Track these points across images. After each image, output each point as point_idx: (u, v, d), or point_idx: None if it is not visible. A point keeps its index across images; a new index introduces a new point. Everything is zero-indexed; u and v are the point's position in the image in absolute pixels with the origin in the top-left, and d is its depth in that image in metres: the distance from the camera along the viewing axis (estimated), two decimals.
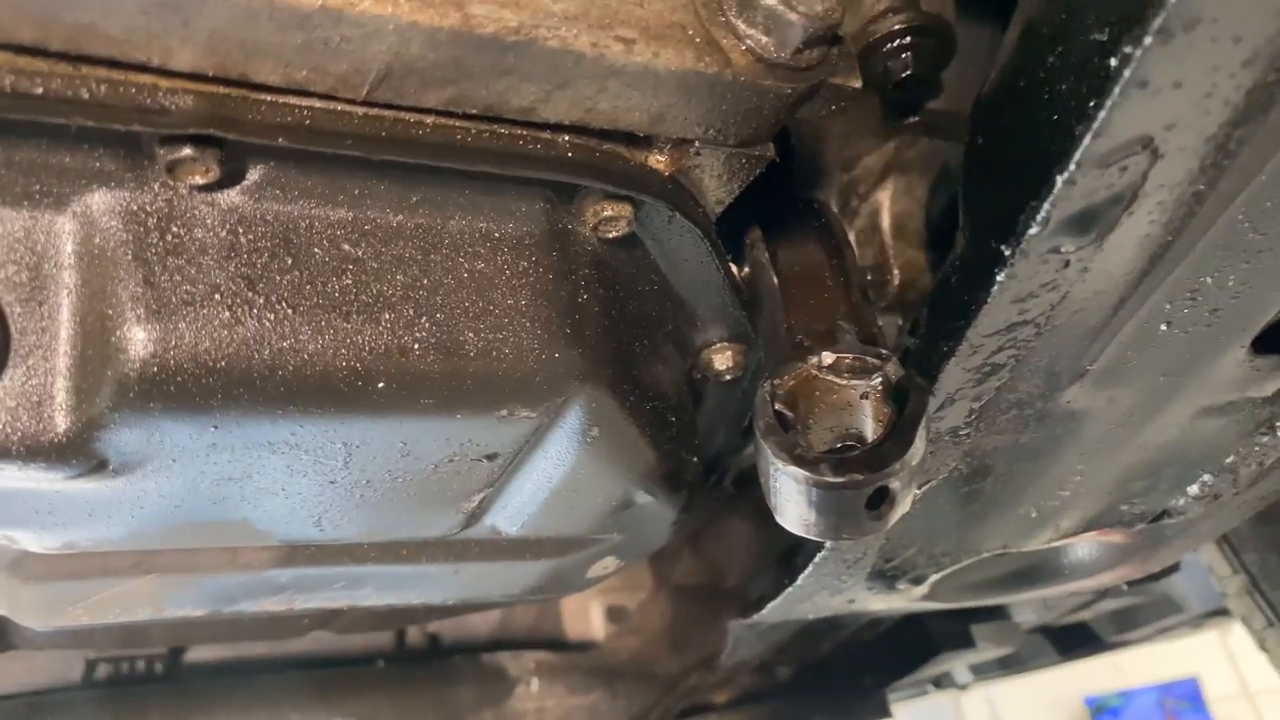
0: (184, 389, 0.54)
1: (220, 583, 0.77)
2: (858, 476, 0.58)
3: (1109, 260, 0.57)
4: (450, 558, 0.81)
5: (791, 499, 0.61)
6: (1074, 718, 5.34)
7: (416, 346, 0.59)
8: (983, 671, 2.29)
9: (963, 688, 2.30)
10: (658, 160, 0.64)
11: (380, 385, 0.58)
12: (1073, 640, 2.22)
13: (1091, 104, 0.47)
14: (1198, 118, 0.48)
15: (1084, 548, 1.03)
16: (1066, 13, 0.50)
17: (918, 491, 0.81)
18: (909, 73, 0.88)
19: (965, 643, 1.70)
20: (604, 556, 0.88)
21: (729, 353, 0.84)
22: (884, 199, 1.06)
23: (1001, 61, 0.60)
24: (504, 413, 0.63)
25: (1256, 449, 0.86)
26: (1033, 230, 0.53)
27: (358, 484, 0.66)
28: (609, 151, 0.61)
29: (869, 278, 1.07)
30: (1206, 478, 0.90)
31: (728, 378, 0.84)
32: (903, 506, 0.62)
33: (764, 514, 1.37)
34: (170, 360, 0.54)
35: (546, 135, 0.58)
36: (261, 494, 0.65)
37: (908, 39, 0.87)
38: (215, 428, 0.57)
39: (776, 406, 0.63)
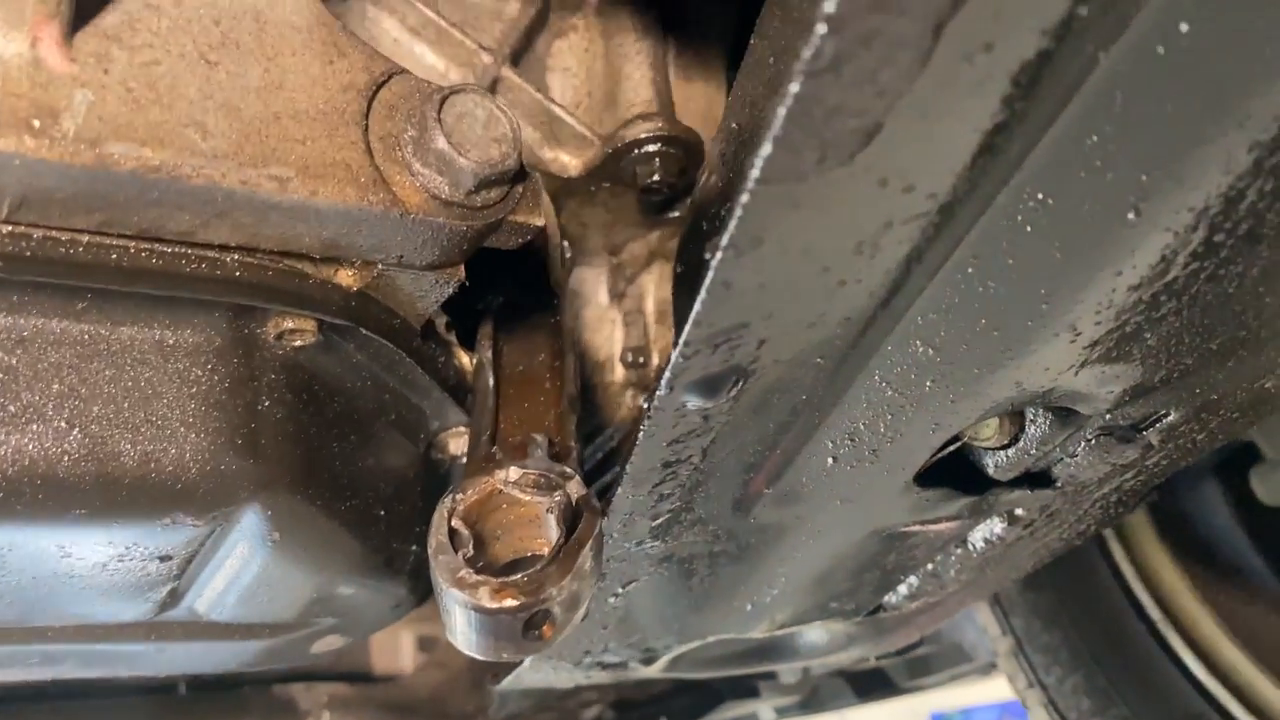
0: None
1: None
2: (512, 603, 0.60)
3: (747, 414, 0.60)
4: (152, 637, 0.81)
5: (456, 619, 0.62)
6: None
7: (66, 457, 0.58)
8: (787, 712, 2.36)
9: None
10: (346, 275, 0.65)
11: (25, 497, 0.58)
12: (870, 684, 2.30)
13: (694, 294, 0.50)
14: (792, 309, 0.51)
15: (814, 632, 1.08)
16: (695, 211, 0.54)
17: (621, 591, 0.84)
18: (656, 178, 0.91)
19: (750, 692, 1.75)
20: (323, 637, 0.88)
21: (464, 437, 0.86)
22: (649, 284, 1.09)
23: (697, 196, 0.62)
24: (166, 521, 0.63)
25: (954, 559, 0.92)
26: (661, 390, 0.56)
27: (24, 580, 0.65)
28: (285, 270, 0.61)
29: (633, 358, 1.10)
30: (912, 580, 0.95)
31: (465, 460, 0.85)
32: (567, 626, 0.64)
33: None
34: None
35: (213, 255, 0.59)
36: None
37: (656, 146, 0.90)
38: None
39: (453, 523, 0.64)
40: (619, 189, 0.97)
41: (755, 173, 0.41)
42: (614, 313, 1.12)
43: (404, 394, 0.80)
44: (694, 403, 0.57)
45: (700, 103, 1.07)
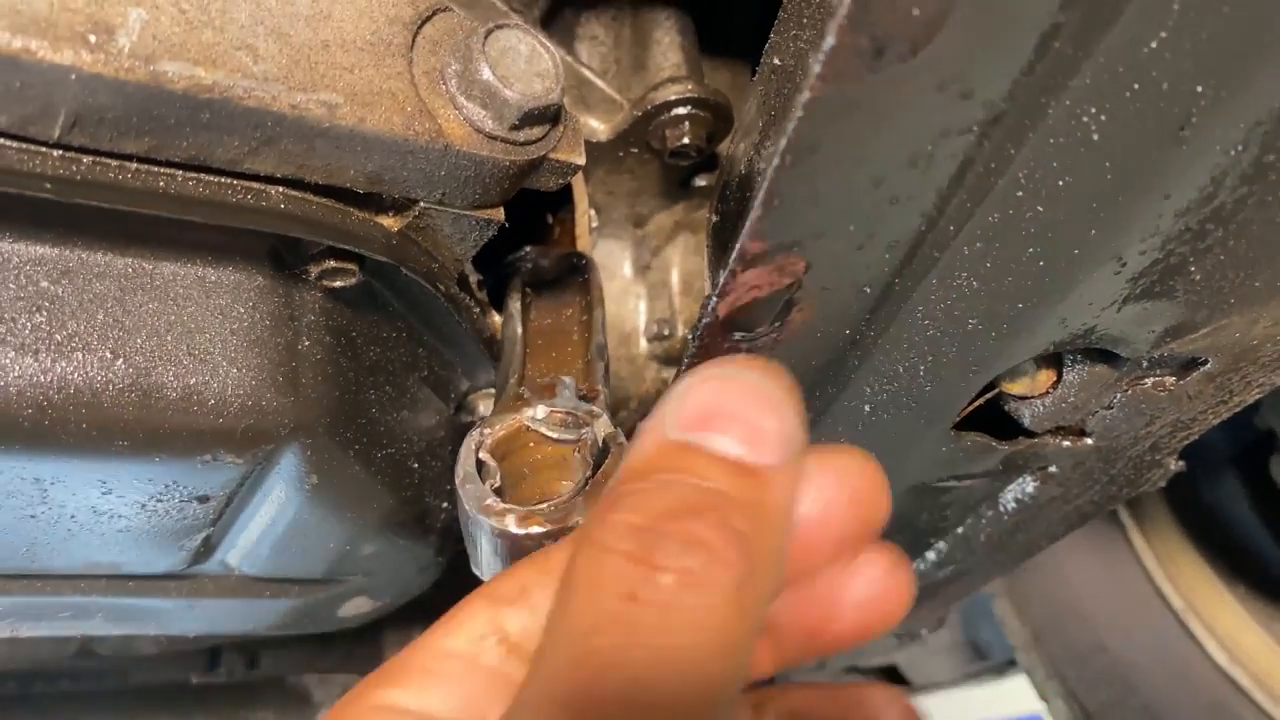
0: None
1: None
2: (539, 529, 0.60)
3: (790, 350, 0.60)
4: (184, 593, 0.81)
5: (481, 548, 0.62)
6: None
7: (111, 387, 0.58)
8: None
9: None
10: (386, 217, 0.65)
11: (70, 425, 0.58)
12: (884, 681, 2.29)
13: (746, 208, 0.50)
14: (842, 227, 0.51)
15: None
16: (759, 128, 0.54)
17: None
18: (685, 141, 0.91)
19: (766, 680, 1.74)
20: (353, 597, 0.88)
21: (491, 398, 0.86)
22: (674, 256, 1.09)
23: (737, 138, 0.63)
24: (207, 458, 0.63)
25: (984, 522, 0.91)
26: (705, 319, 0.55)
27: (61, 519, 0.65)
28: (328, 206, 0.61)
29: (658, 330, 1.10)
30: (941, 545, 0.95)
31: None
32: None
33: None
34: None
35: (258, 186, 0.59)
36: None
37: (685, 109, 0.91)
38: None
39: (480, 455, 0.64)
40: (646, 156, 0.98)
41: (816, 69, 0.41)
42: (639, 286, 1.12)
43: (438, 349, 0.80)
44: (739, 333, 0.57)
45: (724, 76, 1.08)
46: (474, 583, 0.57)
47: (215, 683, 1.85)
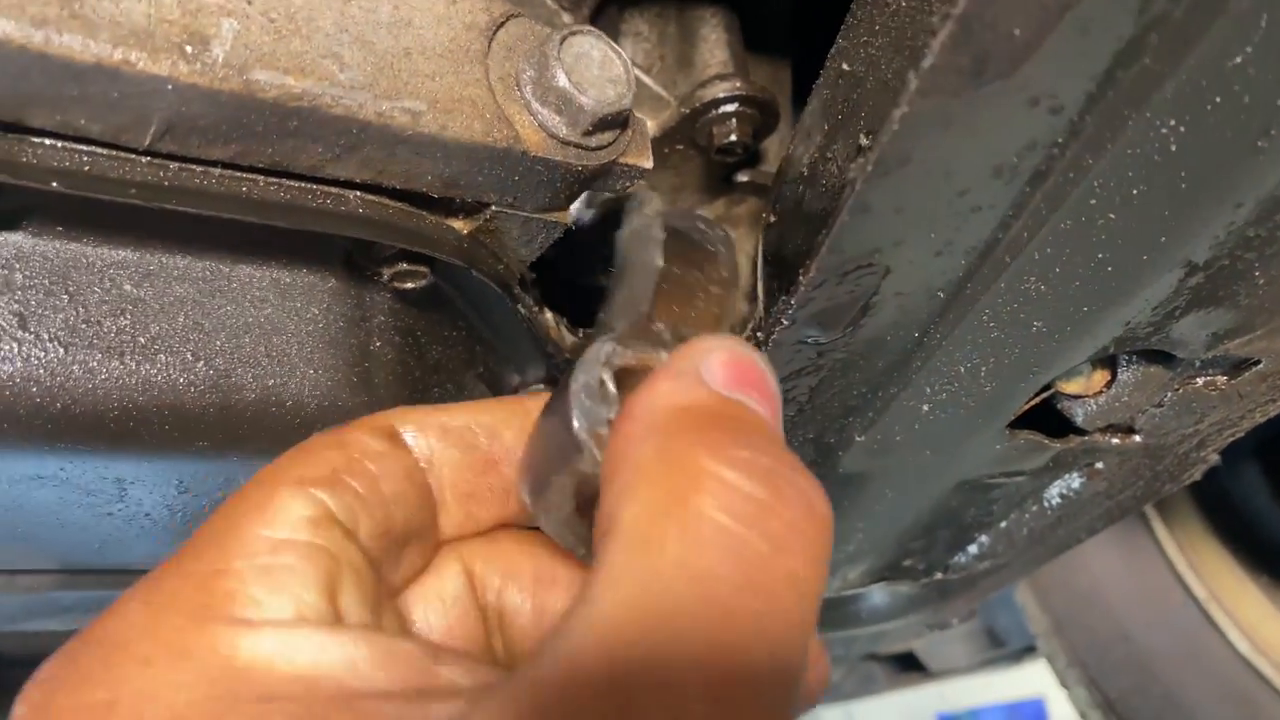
0: None
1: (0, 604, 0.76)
2: None
3: (859, 350, 0.61)
4: None
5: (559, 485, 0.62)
6: None
7: (192, 389, 0.59)
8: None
9: None
10: (457, 220, 0.66)
11: (153, 426, 0.59)
12: (901, 669, 2.31)
13: (829, 218, 0.51)
14: (923, 235, 0.52)
15: (878, 595, 1.08)
16: (824, 130, 0.54)
17: None
18: (732, 139, 0.92)
19: None
20: None
21: (541, 396, 0.87)
22: None
23: (798, 140, 0.63)
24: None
25: (1028, 516, 0.92)
26: (782, 323, 0.57)
27: (136, 516, 0.66)
28: (404, 210, 0.62)
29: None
30: (984, 539, 0.96)
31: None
32: None
33: None
34: None
35: (337, 191, 0.60)
36: (36, 523, 0.65)
37: (733, 107, 0.91)
38: None
39: (604, 375, 0.58)
40: (690, 152, 0.98)
41: (914, 84, 0.42)
42: None
43: (493, 345, 0.81)
44: (813, 336, 0.58)
45: (765, 70, 1.08)
46: None
47: None
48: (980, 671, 2.58)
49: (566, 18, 0.92)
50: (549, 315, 0.85)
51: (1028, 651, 2.29)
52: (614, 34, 1.00)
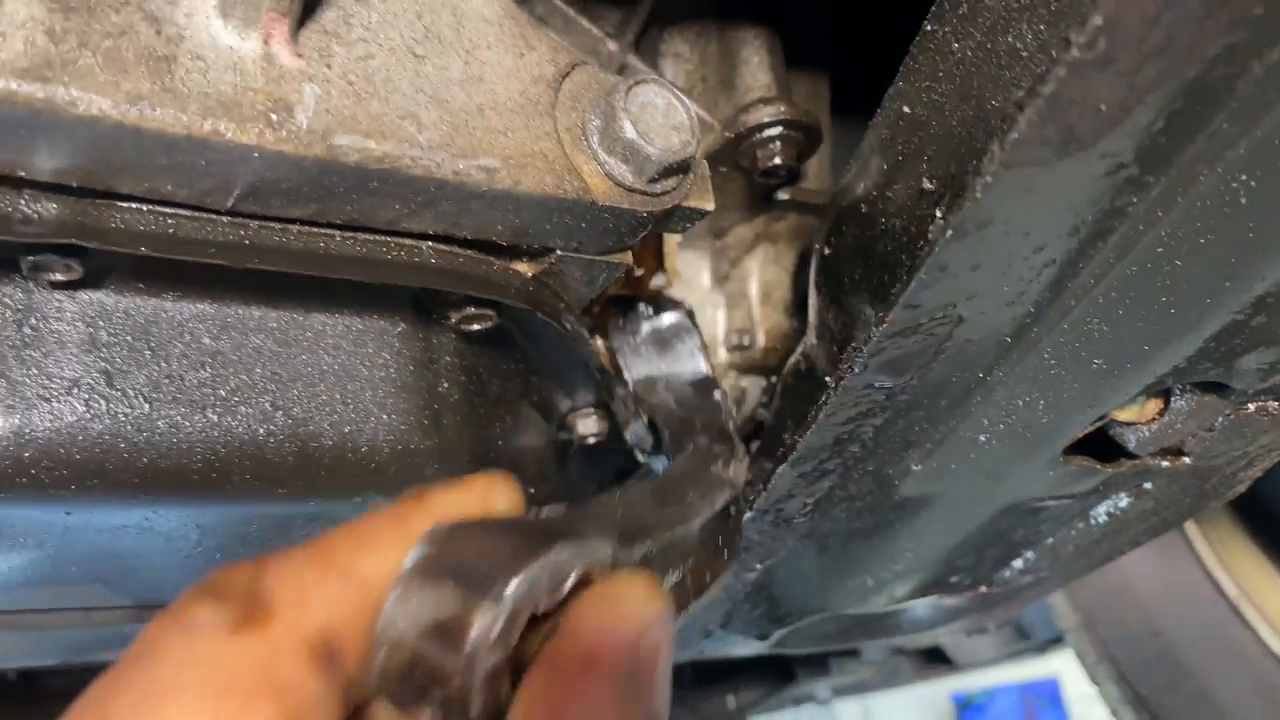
0: (36, 480, 0.56)
1: (73, 637, 0.78)
2: None
3: (924, 392, 0.62)
4: None
5: None
6: (941, 713, 5.55)
7: (272, 439, 0.61)
8: (843, 692, 2.39)
9: (824, 703, 2.38)
10: (521, 265, 0.67)
11: (234, 477, 0.60)
12: (928, 661, 2.33)
13: (901, 271, 0.52)
14: (997, 289, 0.53)
15: (921, 608, 1.10)
16: (883, 170, 0.55)
17: (758, 567, 0.86)
18: (776, 162, 0.92)
19: (822, 669, 1.78)
20: None
21: (592, 418, 0.88)
22: (753, 267, 1.11)
23: (854, 174, 0.64)
24: (358, 500, 0.65)
25: (1074, 533, 0.93)
26: (855, 369, 0.57)
27: (213, 559, 0.68)
28: (473, 258, 0.63)
29: (738, 340, 1.12)
30: (1029, 555, 0.97)
31: (591, 441, 0.88)
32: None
33: None
34: (23, 453, 0.55)
35: (410, 243, 0.61)
36: (116, 567, 0.66)
37: (777, 130, 0.92)
38: (68, 514, 0.58)
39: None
40: (733, 174, 0.99)
41: (999, 154, 0.43)
42: (717, 296, 1.13)
43: (546, 376, 0.82)
44: (881, 382, 0.59)
45: (805, 88, 1.09)
46: None
47: None
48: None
49: (612, 45, 0.93)
50: (599, 342, 0.86)
51: (1053, 644, 2.30)
52: (655, 56, 1.01)
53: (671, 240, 1.06)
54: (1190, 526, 1.65)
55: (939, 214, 0.49)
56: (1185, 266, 0.55)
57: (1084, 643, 1.78)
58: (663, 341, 0.91)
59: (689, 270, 1.13)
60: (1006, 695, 5.54)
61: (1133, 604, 1.71)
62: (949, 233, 0.47)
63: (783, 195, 1.06)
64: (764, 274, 1.11)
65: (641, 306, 0.89)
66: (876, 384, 0.59)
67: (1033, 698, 5.55)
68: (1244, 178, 0.50)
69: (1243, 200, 0.51)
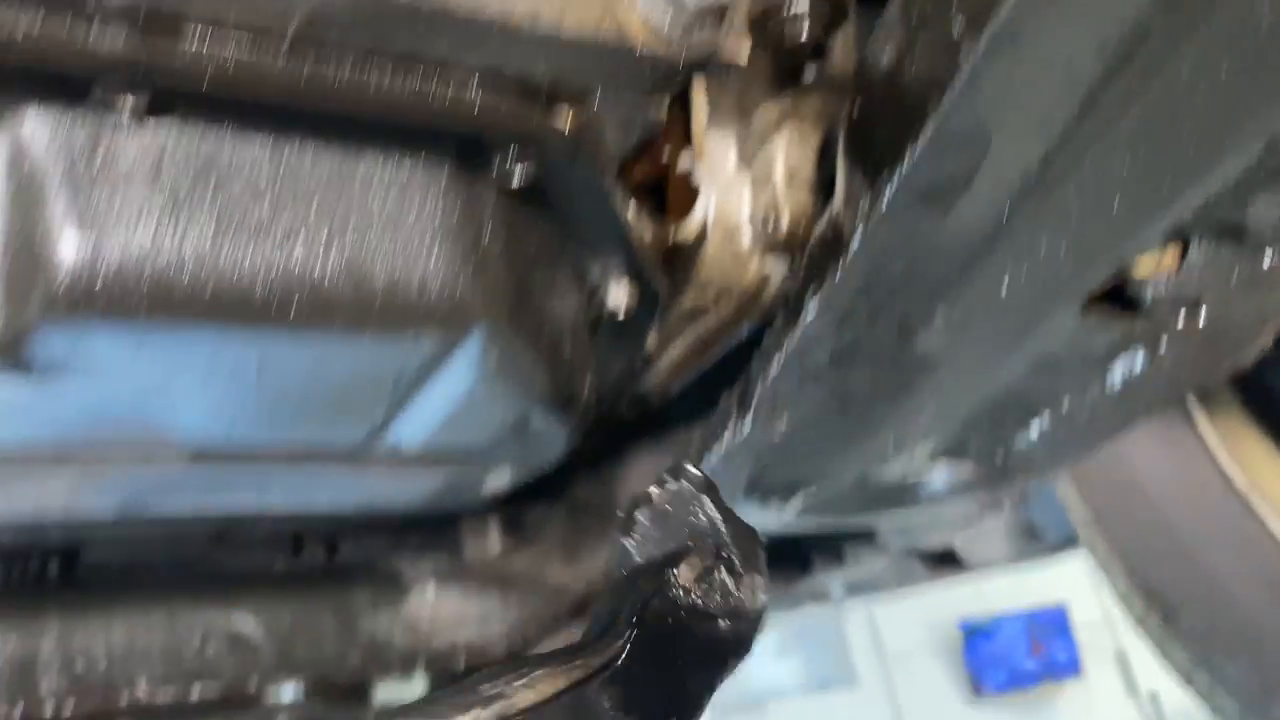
0: (109, 302, 0.59)
1: (132, 481, 0.82)
2: None
3: (954, 228, 0.65)
4: (354, 464, 0.87)
5: None
6: (949, 639, 5.65)
7: (329, 272, 0.64)
8: (856, 590, 2.44)
9: (838, 602, 2.45)
10: (561, 118, 0.69)
11: (294, 305, 0.64)
12: (940, 563, 2.38)
13: (934, 97, 0.54)
14: (1026, 111, 0.55)
15: (938, 479, 1.13)
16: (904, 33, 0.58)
17: (785, 416, 0.89)
18: (804, 39, 0.94)
19: (837, 558, 1.82)
20: (498, 467, 0.95)
21: (624, 288, 0.91)
22: (779, 147, 1.12)
23: (880, 36, 0.66)
24: (410, 336, 0.69)
25: (1089, 397, 0.96)
26: (886, 196, 0.60)
27: (270, 394, 0.71)
28: (514, 109, 0.66)
29: (762, 220, 1.14)
30: (1046, 419, 1.00)
31: (620, 316, 0.90)
32: None
33: (658, 438, 1.43)
34: (96, 275, 0.58)
35: (454, 93, 0.63)
36: (178, 401, 0.70)
37: (804, 6, 0.93)
38: (137, 339, 0.62)
39: None
40: (757, 51, 1.00)
41: None
42: (743, 177, 1.15)
43: (581, 240, 0.85)
44: (914, 211, 0.62)
45: None
46: None
47: (299, 569, 1.95)
48: (1007, 572, 2.63)
49: None
50: (633, 204, 0.89)
51: (1065, 545, 2.35)
52: None
53: (699, 119, 1.08)
54: (1200, 419, 1.67)
55: (969, 39, 0.51)
56: (1207, 96, 0.57)
57: (1094, 538, 1.82)
58: None
59: (716, 151, 1.15)
60: (1013, 623, 5.63)
61: (1142, 498, 1.74)
62: (981, 47, 0.50)
63: (808, 74, 1.07)
64: (790, 155, 1.13)
65: None
66: (909, 213, 0.62)
67: (1040, 624, 5.64)
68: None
69: (1265, 25, 0.53)
